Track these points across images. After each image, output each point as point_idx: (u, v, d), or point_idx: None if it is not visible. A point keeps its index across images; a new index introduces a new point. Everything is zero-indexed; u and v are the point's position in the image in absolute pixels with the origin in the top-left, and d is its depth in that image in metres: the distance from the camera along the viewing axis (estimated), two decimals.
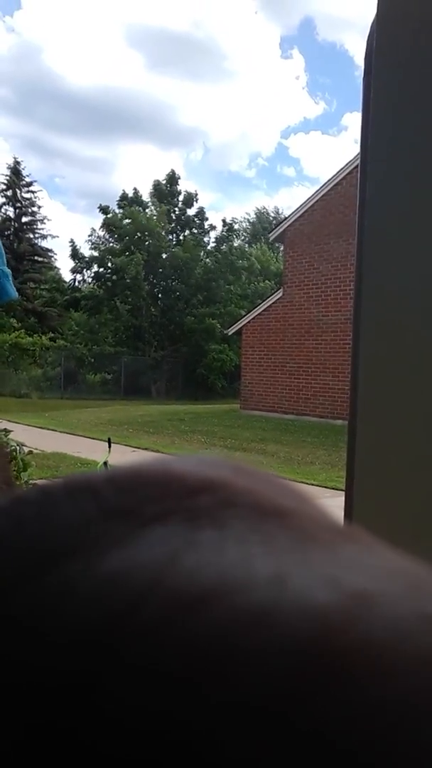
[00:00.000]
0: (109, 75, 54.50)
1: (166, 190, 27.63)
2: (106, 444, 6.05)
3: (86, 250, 26.89)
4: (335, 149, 61.22)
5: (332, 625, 0.10)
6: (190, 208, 28.03)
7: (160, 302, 26.18)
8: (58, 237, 48.97)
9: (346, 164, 13.73)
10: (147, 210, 26.68)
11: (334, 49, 60.80)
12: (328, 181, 14.37)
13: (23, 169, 29.62)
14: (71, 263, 27.39)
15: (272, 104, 63.37)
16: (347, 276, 13.26)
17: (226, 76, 58.02)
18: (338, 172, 14.06)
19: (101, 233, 26.52)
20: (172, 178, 28.23)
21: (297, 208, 15.32)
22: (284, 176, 64.97)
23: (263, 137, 66.35)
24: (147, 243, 25.01)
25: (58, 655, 0.11)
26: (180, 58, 55.30)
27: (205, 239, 27.98)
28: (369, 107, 0.63)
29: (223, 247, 27.31)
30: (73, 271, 27.99)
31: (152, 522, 0.13)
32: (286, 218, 16.47)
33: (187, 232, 27.29)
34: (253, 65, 60.33)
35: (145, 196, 27.59)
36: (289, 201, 58.57)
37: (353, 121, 55.87)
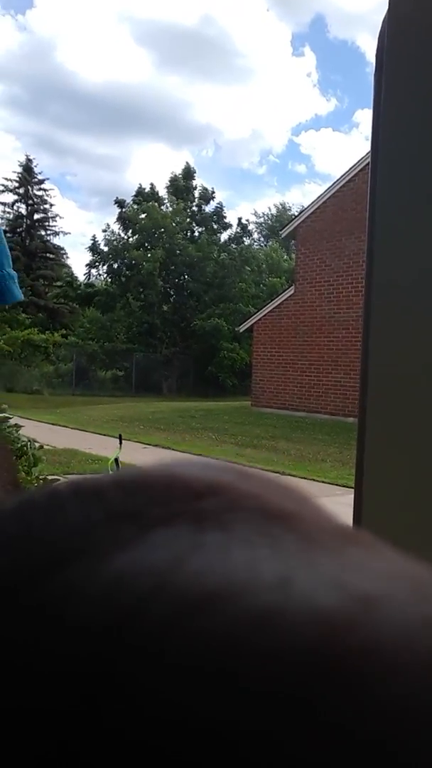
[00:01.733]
0: (121, 72, 54.59)
1: (183, 186, 27.56)
2: (117, 440, 6.09)
3: (102, 246, 26.98)
4: (347, 146, 60.94)
5: (337, 628, 0.11)
6: (206, 204, 27.96)
7: (173, 299, 26.20)
8: (69, 234, 49.13)
9: (359, 161, 13.67)
10: (162, 207, 26.65)
11: (345, 47, 60.44)
12: (341, 177, 14.31)
13: (35, 166, 29.76)
14: (84, 260, 27.50)
15: (283, 101, 63.11)
16: (359, 273, 13.20)
17: (238, 73, 57.83)
18: (350, 169, 14.00)
19: (116, 228, 26.59)
20: (188, 173, 28.11)
21: (309, 205, 15.28)
22: (295, 173, 64.67)
23: (274, 134, 66.20)
24: (162, 239, 25.01)
25: (69, 646, 0.11)
26: (191, 56, 55.25)
27: (221, 236, 27.96)
28: (380, 104, 0.63)
29: (234, 246, 27.25)
30: (89, 265, 28.06)
31: (158, 525, 0.13)
32: (297, 215, 16.43)
33: (202, 229, 27.21)
34: (264, 63, 60.02)
35: (161, 192, 27.62)
36: (300, 198, 58.32)
37: (365, 118, 55.59)
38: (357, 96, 58.34)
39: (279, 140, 65.78)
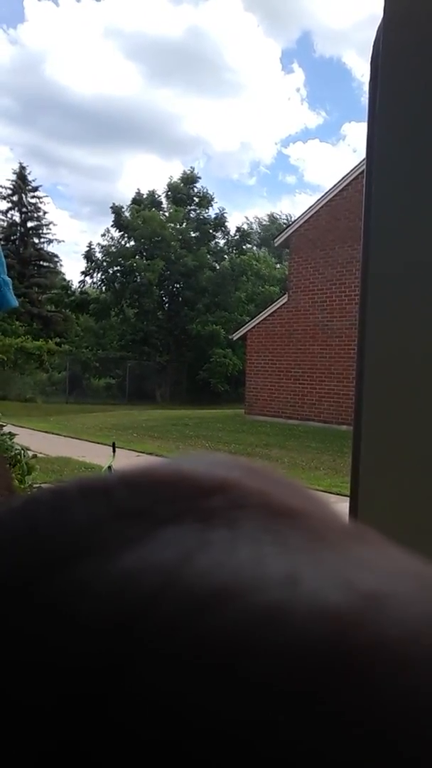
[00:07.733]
0: (111, 85, 54.37)
1: (183, 192, 27.45)
2: (111, 448, 6.07)
3: (97, 252, 26.91)
4: (335, 157, 61.19)
5: (345, 624, 0.11)
6: (206, 209, 27.84)
7: (167, 306, 26.16)
8: (63, 241, 48.96)
9: (352, 170, 13.73)
10: (160, 213, 26.58)
11: (332, 63, 60.76)
12: (333, 187, 14.37)
13: (28, 174, 29.72)
14: (77, 269, 27.44)
15: (273, 115, 63.18)
16: (352, 281, 13.25)
17: (227, 87, 57.72)
18: (343, 178, 14.06)
19: (114, 234, 26.53)
20: (189, 179, 27.91)
21: (302, 214, 15.32)
22: (285, 184, 64.83)
23: (263, 146, 66.18)
24: (160, 247, 24.94)
25: (81, 643, 0.11)
26: (181, 70, 55.12)
27: (219, 243, 27.90)
28: (375, 112, 0.63)
29: (234, 252, 27.22)
30: (84, 273, 27.94)
31: (165, 522, 0.13)
32: (290, 224, 16.49)
33: (198, 234, 27.15)
34: (254, 78, 60.05)
35: (159, 199, 27.49)
36: (290, 208, 58.44)
37: (351, 130, 56.00)
38: (344, 110, 58.82)
39: (268, 152, 65.93)
